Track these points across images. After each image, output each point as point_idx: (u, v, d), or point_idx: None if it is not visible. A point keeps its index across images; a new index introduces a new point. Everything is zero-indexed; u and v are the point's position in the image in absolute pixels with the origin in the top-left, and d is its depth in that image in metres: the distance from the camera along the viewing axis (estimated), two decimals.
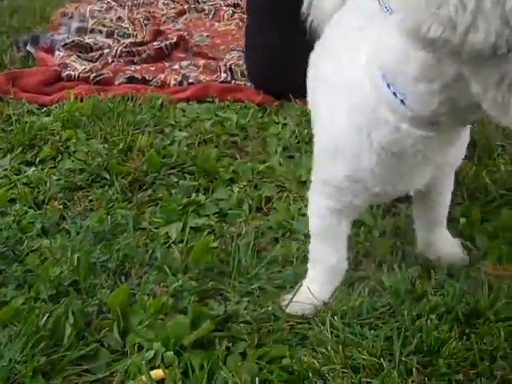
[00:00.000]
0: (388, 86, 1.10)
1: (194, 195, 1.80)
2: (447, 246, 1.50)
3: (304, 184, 1.84)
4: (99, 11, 3.66)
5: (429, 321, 1.24)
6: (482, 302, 1.29)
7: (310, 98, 1.62)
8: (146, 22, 3.40)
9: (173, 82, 2.61)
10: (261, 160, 2.01)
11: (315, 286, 1.36)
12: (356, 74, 1.17)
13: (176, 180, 1.91)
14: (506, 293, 1.32)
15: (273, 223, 1.67)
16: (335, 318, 1.26)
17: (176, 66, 2.79)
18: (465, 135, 1.28)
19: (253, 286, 1.40)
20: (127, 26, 3.39)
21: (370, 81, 1.14)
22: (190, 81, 2.60)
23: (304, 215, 1.68)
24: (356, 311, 1.30)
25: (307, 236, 1.54)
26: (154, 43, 3.00)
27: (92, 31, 3.22)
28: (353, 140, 1.20)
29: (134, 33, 3.26)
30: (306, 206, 1.69)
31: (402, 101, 1.09)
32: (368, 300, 1.32)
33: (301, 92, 1.76)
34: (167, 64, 2.83)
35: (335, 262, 1.38)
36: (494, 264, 1.44)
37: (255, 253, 1.52)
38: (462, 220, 1.60)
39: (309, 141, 2.12)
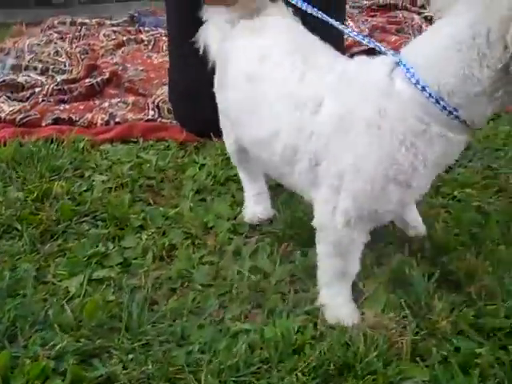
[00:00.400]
0: (437, 101, 1.22)
1: (100, 245, 1.83)
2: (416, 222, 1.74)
3: (210, 230, 1.89)
4: (38, 45, 3.69)
5: (299, 375, 1.28)
6: (354, 355, 1.33)
7: None
8: (83, 56, 3.43)
9: (99, 122, 2.64)
10: (173, 204, 2.05)
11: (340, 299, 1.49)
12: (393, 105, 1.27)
13: (87, 228, 1.94)
14: (380, 344, 1.36)
15: (173, 273, 1.70)
16: (210, 376, 1.30)
17: (106, 104, 2.82)
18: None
19: (138, 343, 1.43)
20: (64, 60, 3.42)
21: (415, 103, 1.24)
22: (117, 120, 2.64)
23: (204, 263, 1.74)
24: (234, 367, 1.34)
25: (204, 286, 1.60)
26: (87, 80, 3.03)
27: (27, 68, 3.25)
28: (407, 166, 1.27)
29: (70, 68, 3.29)
30: (209, 253, 1.76)
31: (455, 115, 1.22)
32: (245, 355, 1.35)
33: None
34: (97, 102, 2.87)
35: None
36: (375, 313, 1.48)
37: (148, 306, 1.56)
38: None
39: (224, 182, 2.18)
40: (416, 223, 1.76)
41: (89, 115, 2.68)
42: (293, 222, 1.81)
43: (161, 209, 2.02)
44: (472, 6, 1.15)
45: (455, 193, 2.00)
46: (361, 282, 1.56)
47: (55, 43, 3.75)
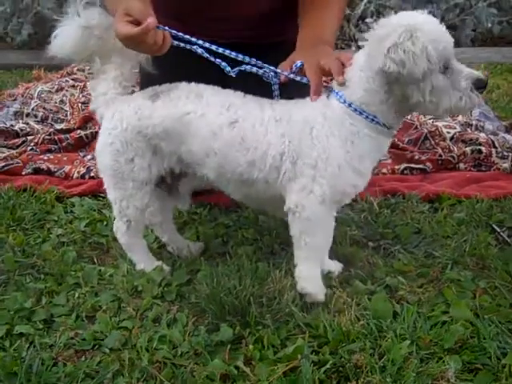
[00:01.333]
0: (360, 113, 1.79)
1: (30, 300, 1.92)
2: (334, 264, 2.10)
3: (139, 294, 1.96)
4: (49, 91, 3.88)
5: None
6: None
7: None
8: (84, 106, 3.59)
9: (75, 175, 2.77)
10: (114, 265, 2.14)
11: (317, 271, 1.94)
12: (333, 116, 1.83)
13: (28, 281, 2.04)
14: None
15: (88, 335, 1.78)
16: None
17: (88, 157, 2.96)
18: None
19: None
20: (67, 109, 3.59)
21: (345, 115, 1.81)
22: (92, 174, 2.76)
23: (120, 328, 1.81)
24: None
25: (113, 350, 1.67)
26: (78, 131, 3.18)
27: (28, 115, 3.43)
28: (355, 154, 1.82)
29: (69, 118, 3.46)
30: (128, 317, 1.83)
31: (372, 119, 1.79)
32: None
33: None
34: (81, 154, 3.00)
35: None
36: None
37: (53, 366, 1.64)
38: None
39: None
40: (332, 266, 2.08)
41: (67, 167, 2.81)
42: (213, 296, 1.87)
43: (101, 268, 2.11)
44: (369, 43, 1.74)
45: (387, 279, 2.02)
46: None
47: (66, 90, 3.94)
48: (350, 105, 1.80)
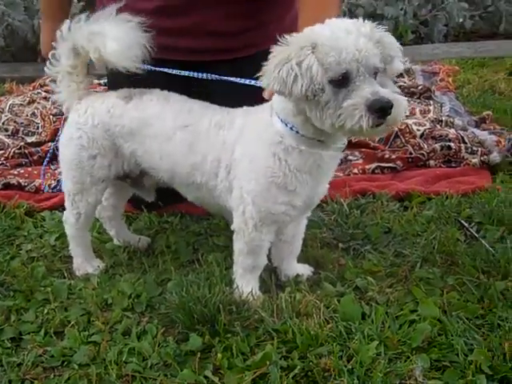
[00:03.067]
0: (286, 124, 1.74)
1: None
2: (303, 268, 2.11)
3: (109, 307, 1.96)
4: (21, 105, 3.86)
5: None
6: None
7: None
8: (56, 118, 3.57)
9: (46, 189, 2.75)
10: (85, 278, 2.13)
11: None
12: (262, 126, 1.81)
13: None
14: None
15: (56, 351, 1.77)
16: None
17: (59, 169, 2.94)
18: (328, 179, 1.90)
19: None
20: (38, 122, 3.57)
21: (273, 125, 1.78)
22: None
23: (89, 343, 1.80)
24: None
25: (82, 366, 1.66)
26: (49, 144, 3.16)
27: None
28: (277, 169, 1.76)
29: (41, 130, 3.44)
30: (97, 331, 1.82)
31: (297, 131, 1.73)
32: None
33: None
34: (52, 167, 2.99)
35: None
36: None
37: None
38: None
39: (141, 256, 2.25)
40: (302, 270, 2.10)
41: (38, 181, 2.80)
42: (182, 305, 1.86)
43: (71, 282, 2.10)
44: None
45: (357, 280, 2.03)
46: None
47: (38, 103, 3.91)
48: (279, 116, 1.77)
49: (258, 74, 1.67)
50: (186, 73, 2.11)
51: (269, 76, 1.62)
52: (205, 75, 2.12)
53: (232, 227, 1.92)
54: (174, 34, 2.27)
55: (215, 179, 1.91)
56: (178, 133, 1.95)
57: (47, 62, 2.07)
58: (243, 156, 1.83)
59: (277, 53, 1.62)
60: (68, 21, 2.00)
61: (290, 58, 1.58)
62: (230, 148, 1.85)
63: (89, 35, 1.93)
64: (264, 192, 1.79)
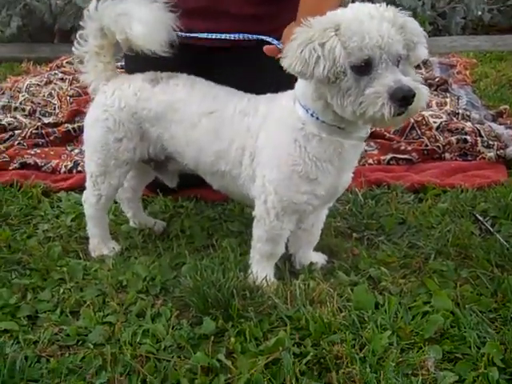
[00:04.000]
0: (306, 111, 1.73)
1: (15, 296, 1.93)
2: (318, 256, 2.12)
3: (123, 288, 1.98)
4: (38, 85, 3.87)
5: None
6: None
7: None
8: (72, 99, 3.59)
9: (63, 170, 2.78)
10: (100, 260, 2.15)
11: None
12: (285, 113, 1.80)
13: (13, 277, 2.05)
14: None
15: (71, 330, 1.79)
16: None
17: (76, 151, 2.97)
18: (351, 169, 1.89)
19: None
20: (56, 102, 3.59)
21: (295, 112, 1.76)
22: (79, 169, 2.76)
23: (103, 323, 1.82)
24: None
25: (97, 345, 1.68)
26: (65, 125, 3.18)
27: (16, 109, 3.43)
28: (297, 157, 1.75)
29: (58, 111, 3.46)
30: (112, 312, 1.85)
31: (317, 118, 1.71)
32: None
33: None
34: (69, 148, 3.01)
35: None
36: None
37: (37, 362, 1.66)
38: None
39: (155, 239, 2.27)
40: (316, 258, 2.10)
41: (54, 162, 2.82)
42: (196, 289, 1.88)
43: (86, 263, 2.12)
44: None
45: (370, 270, 2.04)
46: None
47: (55, 84, 3.93)
48: (301, 103, 1.76)
49: (279, 55, 1.66)
50: (219, 35, 2.14)
51: (291, 56, 1.59)
52: (238, 35, 2.14)
53: (253, 213, 1.92)
54: (195, 16, 2.25)
55: (239, 167, 1.90)
56: (203, 119, 1.95)
57: (75, 42, 2.06)
58: (267, 143, 1.83)
59: (299, 34, 1.61)
60: (95, 0, 1.99)
61: (313, 39, 1.56)
62: (255, 135, 1.85)
63: (115, 16, 1.93)
64: (286, 181, 1.79)
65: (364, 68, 1.57)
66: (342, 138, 1.75)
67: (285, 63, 1.62)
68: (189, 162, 2.03)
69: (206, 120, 1.94)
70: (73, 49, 2.07)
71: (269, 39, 2.04)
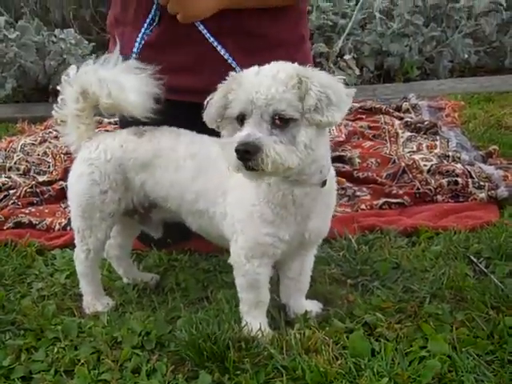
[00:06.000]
0: None
1: (8, 358, 1.92)
2: (312, 304, 2.11)
3: (118, 345, 1.97)
4: (33, 144, 3.92)
5: None
6: None
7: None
8: (67, 156, 3.62)
9: (57, 227, 2.79)
10: (95, 316, 2.14)
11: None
12: None
13: (8, 338, 2.04)
14: None
15: None
16: None
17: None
18: (319, 216, 1.87)
19: None
20: (50, 161, 3.62)
21: None
22: None
23: (99, 381, 1.81)
24: None
25: None
26: (60, 182, 3.20)
27: (10, 169, 3.46)
28: (255, 200, 1.81)
29: (52, 169, 3.49)
30: (107, 370, 1.83)
31: None
32: None
33: None
34: (63, 205, 3.03)
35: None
36: None
37: None
38: None
39: (150, 293, 2.27)
40: (310, 306, 2.09)
41: (48, 219, 2.83)
42: (192, 342, 1.87)
43: (81, 320, 2.11)
44: None
45: (366, 316, 2.03)
46: None
47: (49, 142, 3.97)
48: None
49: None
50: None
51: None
52: None
53: (229, 261, 1.95)
54: (178, 72, 2.29)
55: (214, 206, 1.96)
56: (187, 160, 2.02)
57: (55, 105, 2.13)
58: (237, 184, 1.87)
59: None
60: (74, 66, 2.06)
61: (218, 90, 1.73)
62: (230, 175, 1.88)
63: (101, 81, 1.98)
64: (249, 221, 1.84)
65: (239, 120, 1.66)
66: (290, 186, 1.77)
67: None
68: (172, 204, 2.07)
69: (191, 161, 2.01)
70: (53, 112, 2.13)
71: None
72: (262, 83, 1.61)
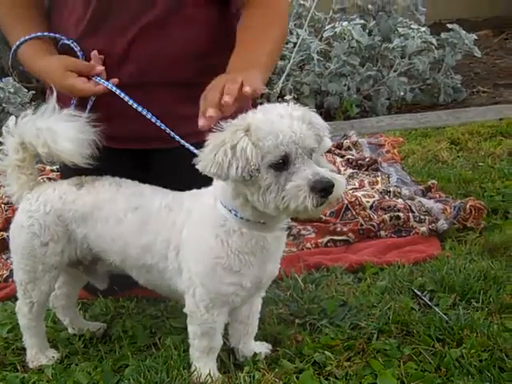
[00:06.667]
0: (226, 208, 1.78)
1: None
2: (261, 346, 2.12)
3: None
4: None
5: None
6: None
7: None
8: (7, 206, 3.54)
9: None
10: (40, 370, 2.08)
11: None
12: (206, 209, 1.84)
13: None
14: None
15: None
16: None
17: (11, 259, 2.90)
18: (276, 259, 1.91)
19: None
20: None
21: (216, 209, 1.81)
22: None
23: None
24: None
25: None
26: (0, 233, 3.13)
27: None
28: (220, 251, 1.79)
29: None
30: None
31: (236, 214, 1.76)
32: None
33: None
34: (4, 257, 2.95)
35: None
36: None
37: None
38: None
39: (97, 343, 2.22)
40: (259, 348, 2.10)
41: None
42: None
43: (24, 376, 2.05)
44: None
45: (315, 355, 2.04)
46: None
47: None
48: (220, 200, 1.82)
49: (196, 160, 1.70)
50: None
51: (205, 160, 1.66)
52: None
53: (184, 310, 1.93)
54: (123, 120, 2.27)
55: (165, 260, 1.92)
56: (129, 214, 1.98)
57: None
58: (190, 238, 1.86)
59: (212, 138, 1.68)
60: (13, 116, 2.04)
61: (225, 141, 1.63)
62: (179, 229, 1.89)
63: (37, 131, 1.97)
64: (210, 273, 1.82)
65: (282, 164, 1.64)
66: (264, 232, 1.80)
67: (200, 166, 1.68)
68: (115, 258, 2.03)
69: (132, 215, 1.97)
70: None
71: (190, 148, 2.02)
72: (292, 124, 1.64)
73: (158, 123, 2.09)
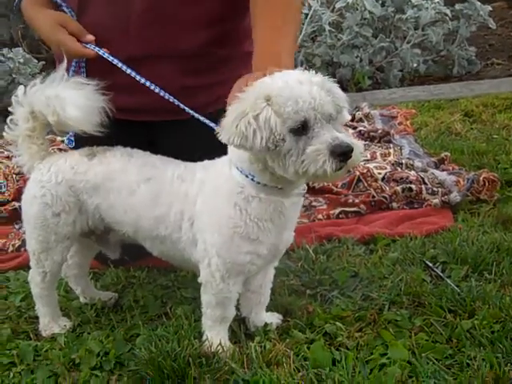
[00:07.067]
0: (244, 174, 1.76)
1: None
2: (272, 316, 2.13)
3: (76, 367, 1.93)
4: None
5: None
6: None
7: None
8: (19, 177, 3.55)
9: (11, 249, 2.73)
10: (52, 338, 2.09)
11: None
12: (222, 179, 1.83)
13: None
14: None
15: None
16: None
17: (23, 229, 2.91)
18: (292, 226, 1.90)
19: None
20: (1, 181, 3.54)
21: (232, 177, 1.79)
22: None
23: None
24: None
25: None
26: (12, 203, 3.14)
27: None
28: (238, 219, 1.77)
29: (4, 190, 3.41)
30: None
31: (253, 179, 1.75)
32: None
33: None
34: (16, 227, 2.96)
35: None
36: None
37: None
38: None
39: (108, 312, 2.23)
40: (270, 319, 2.10)
41: (1, 241, 2.77)
42: (152, 360, 1.84)
43: (37, 343, 2.06)
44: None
45: (326, 326, 2.03)
46: None
47: (1, 162, 3.88)
48: (237, 167, 1.79)
49: (217, 130, 1.69)
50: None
51: (228, 131, 1.63)
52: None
53: (199, 280, 1.92)
54: (129, 92, 2.23)
55: (179, 231, 1.91)
56: (141, 185, 1.96)
57: (5, 127, 2.06)
58: (205, 209, 1.85)
59: (232, 108, 1.66)
60: (22, 86, 2.02)
61: (246, 112, 1.61)
62: (192, 200, 1.87)
63: (46, 99, 1.95)
64: (227, 243, 1.81)
65: (301, 129, 1.62)
66: (282, 197, 1.78)
67: (223, 138, 1.65)
68: (128, 229, 2.02)
69: (145, 186, 1.96)
70: (4, 133, 2.08)
71: (201, 118, 2.03)
72: (312, 90, 1.62)
73: (167, 96, 2.08)
